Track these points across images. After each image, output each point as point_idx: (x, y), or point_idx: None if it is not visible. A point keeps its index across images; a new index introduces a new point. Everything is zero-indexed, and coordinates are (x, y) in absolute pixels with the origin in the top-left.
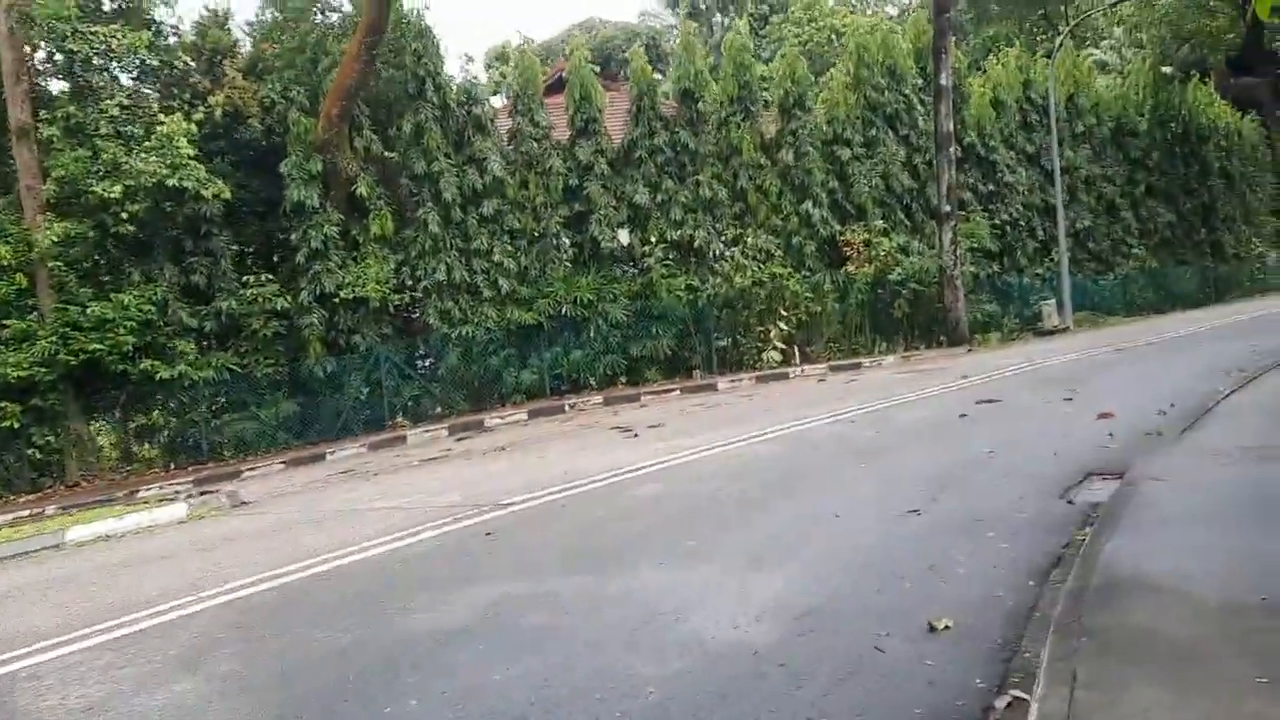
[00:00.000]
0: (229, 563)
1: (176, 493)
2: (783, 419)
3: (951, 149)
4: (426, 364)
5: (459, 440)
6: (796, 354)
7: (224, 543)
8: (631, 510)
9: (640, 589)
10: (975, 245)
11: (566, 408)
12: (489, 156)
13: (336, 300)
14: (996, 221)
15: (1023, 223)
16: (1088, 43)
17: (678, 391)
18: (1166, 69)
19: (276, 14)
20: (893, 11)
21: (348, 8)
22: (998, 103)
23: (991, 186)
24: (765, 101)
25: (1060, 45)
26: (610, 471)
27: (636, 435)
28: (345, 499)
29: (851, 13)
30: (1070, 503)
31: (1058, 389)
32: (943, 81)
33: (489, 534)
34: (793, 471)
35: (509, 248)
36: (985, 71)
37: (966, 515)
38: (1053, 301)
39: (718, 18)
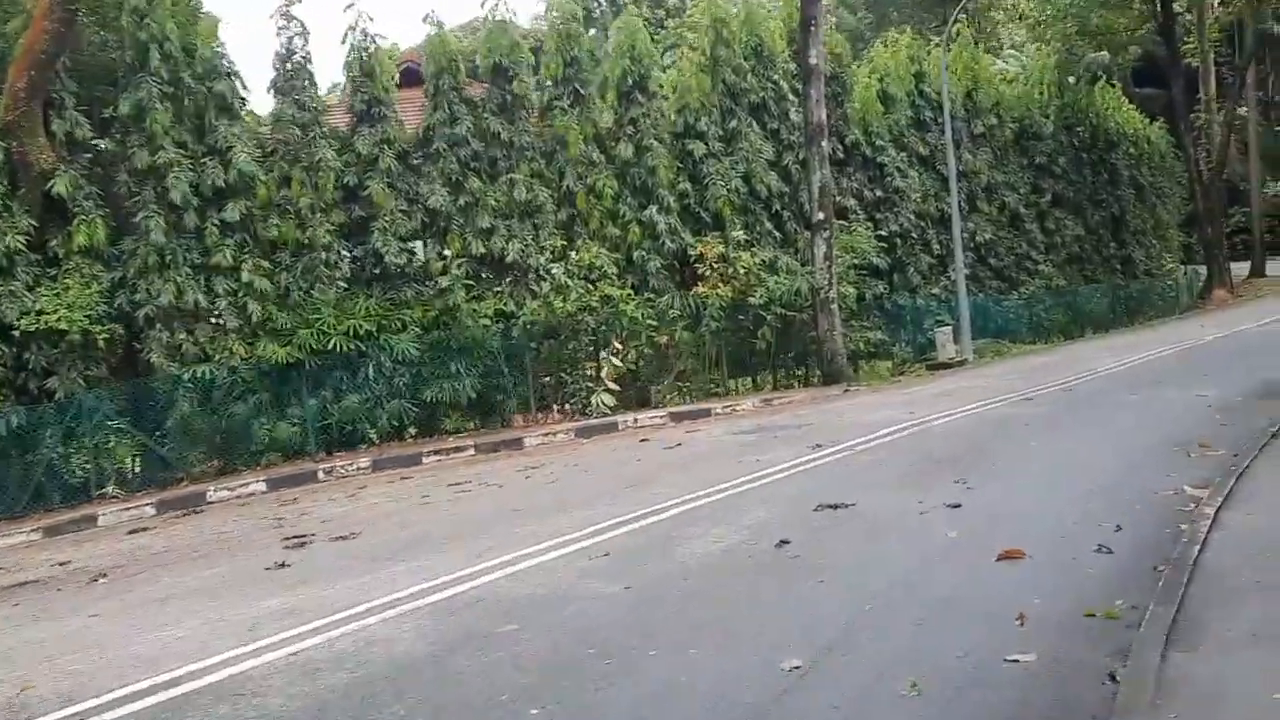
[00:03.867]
0: None
1: None
2: (522, 533)
3: (824, 143)
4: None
5: (134, 533)
6: (652, 393)
7: None
8: None
9: None
10: (858, 261)
11: (321, 474)
12: (235, 145)
13: (16, 332)
14: (884, 233)
15: (915, 234)
16: (990, 50)
17: (472, 449)
18: (1071, 78)
19: None
20: None
21: None
22: (886, 96)
23: (879, 192)
24: (602, 84)
25: (951, 27)
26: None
27: (287, 564)
28: None
29: None
30: None
31: (940, 480)
32: (812, 60)
33: None
34: None
35: (262, 264)
36: (872, 60)
37: None
38: (948, 328)
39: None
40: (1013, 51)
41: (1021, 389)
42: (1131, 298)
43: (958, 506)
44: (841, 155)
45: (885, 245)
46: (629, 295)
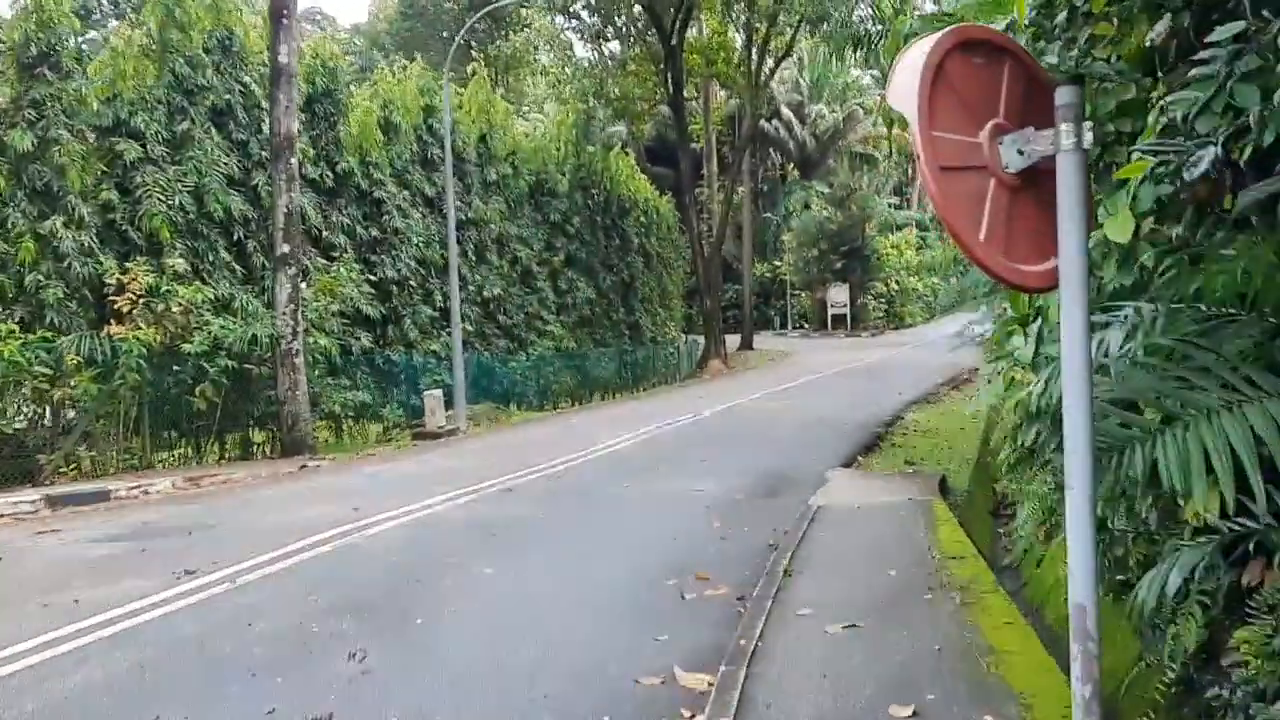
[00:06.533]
0: None
1: None
2: None
3: (294, 160)
4: None
5: None
6: (42, 465)
7: None
8: None
9: None
10: (343, 308)
11: None
12: None
13: None
14: (379, 277)
15: (415, 282)
16: (517, 113)
17: None
18: (591, 147)
19: None
20: None
21: None
22: (389, 125)
23: (375, 232)
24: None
25: (454, 53)
26: None
27: None
28: None
29: None
30: None
31: (330, 652)
32: (283, 58)
33: None
34: None
35: None
36: (376, 85)
37: None
38: (438, 392)
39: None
40: (538, 115)
41: (505, 473)
42: (638, 364)
43: None
44: (332, 184)
45: (373, 293)
46: (12, 333)
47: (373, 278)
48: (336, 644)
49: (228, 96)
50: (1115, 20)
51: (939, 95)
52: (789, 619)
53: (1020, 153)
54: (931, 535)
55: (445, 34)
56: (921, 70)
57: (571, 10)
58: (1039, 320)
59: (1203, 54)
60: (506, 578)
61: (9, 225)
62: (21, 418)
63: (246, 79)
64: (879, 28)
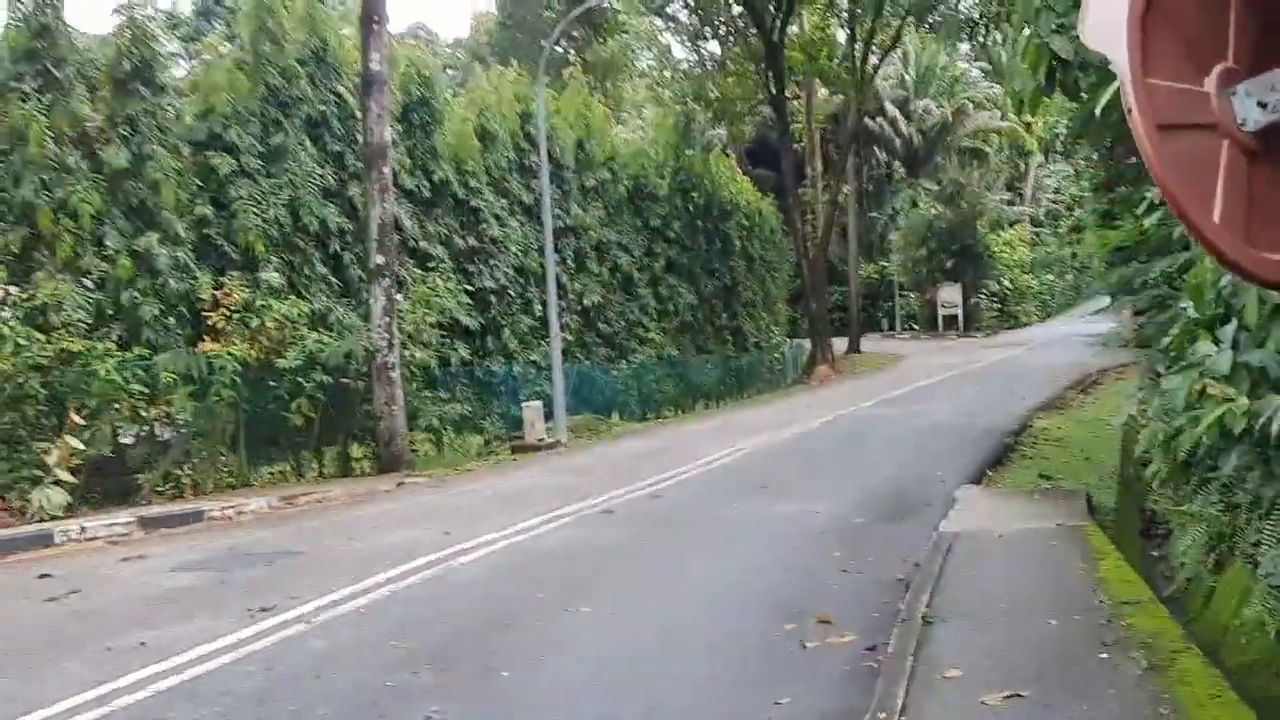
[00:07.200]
0: None
1: None
2: None
3: (388, 169)
4: None
5: None
6: (140, 484)
7: None
8: None
9: None
10: (440, 319)
11: None
12: None
13: None
14: (477, 287)
15: (513, 292)
16: (616, 118)
17: None
18: (690, 151)
19: None
20: None
21: None
22: (485, 133)
23: (473, 241)
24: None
25: (547, 55)
26: None
27: None
28: None
29: None
30: None
31: (403, 716)
32: (374, 65)
33: None
34: None
35: None
36: (472, 93)
37: None
38: (538, 404)
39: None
40: (637, 120)
41: (605, 490)
42: (741, 370)
43: None
44: (428, 193)
45: (470, 304)
46: (109, 351)
47: (470, 288)
48: (411, 702)
49: (322, 107)
50: None
51: (1153, 31)
52: (935, 683)
53: (1261, 105)
54: (1094, 573)
55: (545, 43)
56: (1130, 0)
57: (669, 11)
58: (1232, 322)
59: None
60: (604, 619)
61: (105, 243)
62: (126, 435)
63: (340, 89)
64: (993, 9)
